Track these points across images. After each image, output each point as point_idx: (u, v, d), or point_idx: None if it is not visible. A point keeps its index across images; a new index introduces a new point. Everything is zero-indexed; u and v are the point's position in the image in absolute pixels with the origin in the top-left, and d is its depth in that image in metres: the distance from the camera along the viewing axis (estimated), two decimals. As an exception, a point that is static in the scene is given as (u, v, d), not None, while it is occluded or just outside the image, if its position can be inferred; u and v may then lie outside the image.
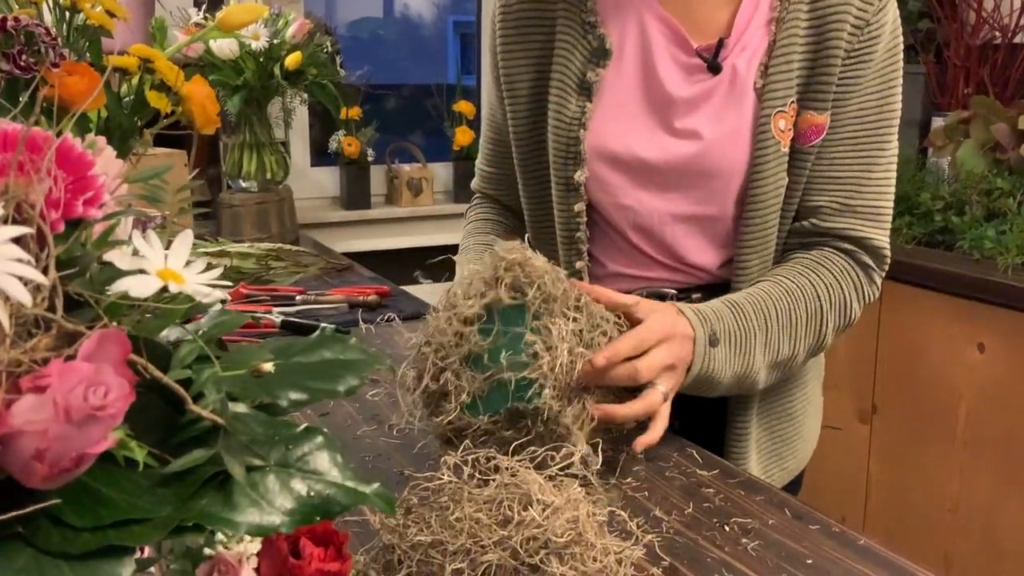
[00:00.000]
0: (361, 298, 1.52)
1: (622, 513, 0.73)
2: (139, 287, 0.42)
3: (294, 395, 0.48)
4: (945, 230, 1.97)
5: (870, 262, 1.00)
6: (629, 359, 0.84)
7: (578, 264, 1.06)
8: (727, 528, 0.79)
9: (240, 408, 0.46)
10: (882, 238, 1.00)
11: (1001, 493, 1.79)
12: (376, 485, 0.46)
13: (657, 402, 0.86)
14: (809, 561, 0.74)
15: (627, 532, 0.74)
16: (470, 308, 0.80)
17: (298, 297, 1.53)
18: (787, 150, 0.97)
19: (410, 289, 1.65)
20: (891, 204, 1.01)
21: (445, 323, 0.81)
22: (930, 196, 2.02)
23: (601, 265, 1.08)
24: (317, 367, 0.51)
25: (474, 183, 1.27)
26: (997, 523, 1.80)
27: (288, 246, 1.81)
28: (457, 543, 0.63)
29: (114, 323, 0.41)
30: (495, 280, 0.81)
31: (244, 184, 2.09)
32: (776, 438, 1.08)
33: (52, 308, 0.40)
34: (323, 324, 1.37)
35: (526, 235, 1.10)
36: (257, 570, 0.50)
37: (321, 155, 2.88)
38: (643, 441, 0.85)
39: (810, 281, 0.98)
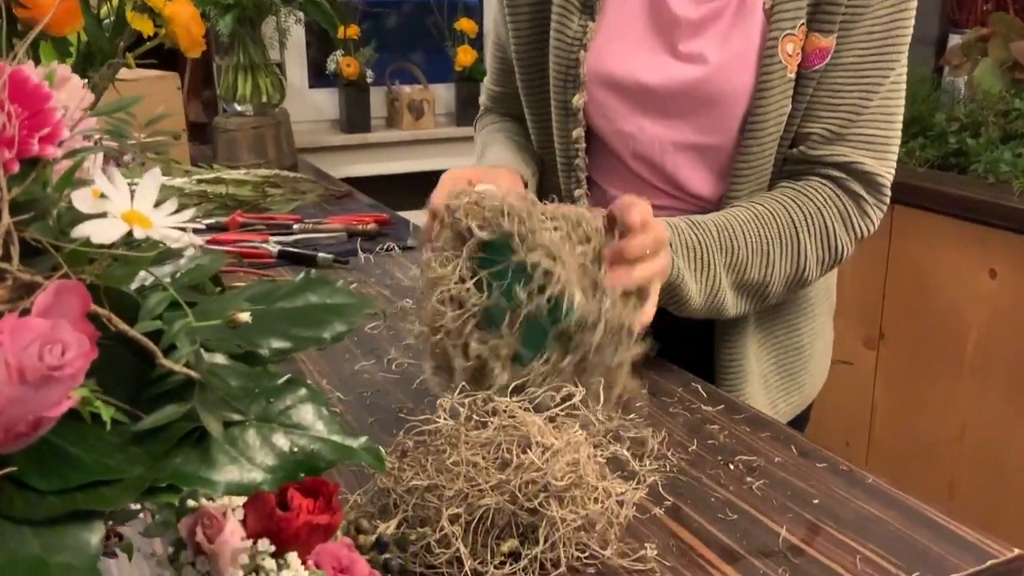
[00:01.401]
0: (360, 227, 1.49)
1: (625, 453, 0.71)
2: (102, 232, 0.38)
3: (276, 344, 0.45)
4: (959, 152, 1.92)
5: (861, 191, 0.95)
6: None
7: (576, 192, 1.03)
8: (732, 466, 0.78)
9: (217, 359, 0.43)
10: (877, 166, 0.95)
11: (1008, 421, 1.77)
12: (364, 439, 0.43)
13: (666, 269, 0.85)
14: (816, 501, 0.72)
15: (629, 472, 0.72)
16: (455, 277, 0.75)
17: (295, 226, 1.49)
18: (793, 75, 0.92)
19: (410, 216, 1.61)
20: (893, 132, 0.96)
21: (439, 304, 0.76)
22: (945, 117, 1.97)
23: (601, 192, 1.04)
24: (302, 313, 0.48)
25: (482, 99, 1.23)
26: (1003, 452, 1.79)
27: (285, 172, 1.76)
28: (454, 487, 0.61)
29: (77, 273, 0.38)
30: (464, 231, 0.76)
31: (239, 108, 2.04)
32: (783, 372, 1.05)
33: (7, 257, 0.37)
34: (320, 254, 1.36)
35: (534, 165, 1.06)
36: (243, 523, 0.48)
37: (319, 76, 2.81)
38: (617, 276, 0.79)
39: (786, 208, 0.94)
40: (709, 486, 0.74)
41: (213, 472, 0.39)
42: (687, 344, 0.98)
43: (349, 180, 2.05)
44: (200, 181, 1.63)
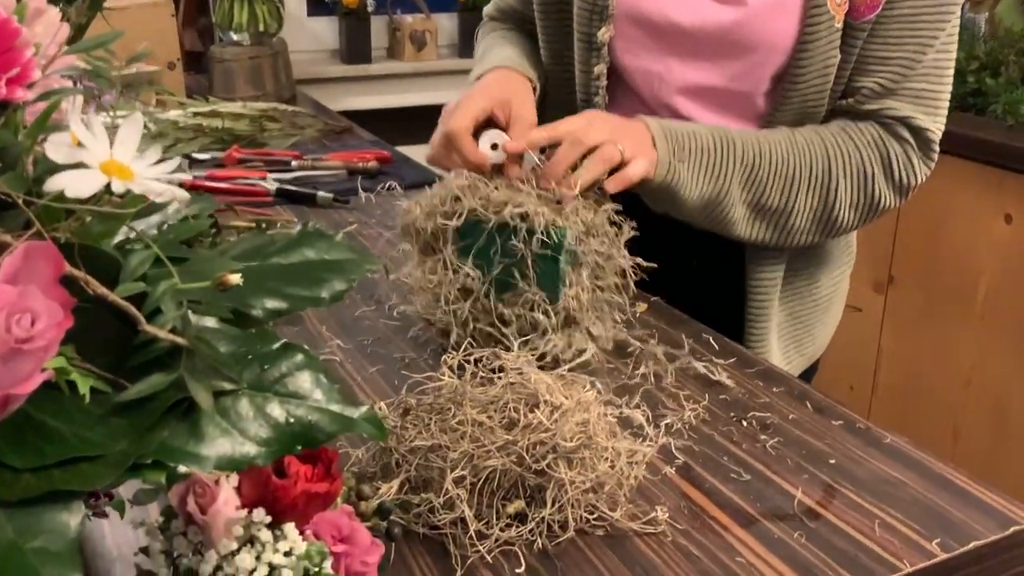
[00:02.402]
0: (361, 164, 1.44)
1: (633, 411, 0.68)
2: (78, 184, 0.35)
3: (271, 303, 0.42)
4: (978, 92, 1.86)
5: (909, 139, 0.91)
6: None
7: None
8: (744, 423, 0.75)
9: (207, 323, 0.40)
10: (928, 122, 0.90)
11: (1016, 369, 1.75)
12: (364, 409, 0.40)
13: (613, 154, 0.82)
14: (832, 461, 0.70)
15: (638, 430, 0.69)
16: (450, 275, 0.80)
17: (294, 162, 1.45)
18: (840, 26, 0.87)
19: (411, 152, 1.57)
20: (944, 88, 0.91)
21: (444, 302, 0.80)
22: (964, 55, 1.90)
23: None
24: (297, 270, 0.45)
25: (488, 9, 1.14)
26: (1009, 400, 1.77)
27: (284, 106, 1.71)
28: (459, 448, 0.59)
29: (51, 230, 0.35)
30: (429, 236, 0.81)
31: (235, 37, 1.97)
32: (799, 324, 1.02)
33: (-28, 212, 0.33)
34: (319, 193, 1.31)
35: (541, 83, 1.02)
36: (238, 490, 0.45)
37: (318, 5, 2.73)
38: (614, 179, 0.83)
39: (823, 140, 0.90)
40: (721, 444, 0.72)
41: (202, 446, 0.37)
42: (715, 297, 0.96)
43: (348, 113, 1.99)
44: (196, 114, 1.58)
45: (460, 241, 0.80)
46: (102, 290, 0.34)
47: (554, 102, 1.02)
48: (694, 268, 1.00)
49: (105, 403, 0.36)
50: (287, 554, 0.43)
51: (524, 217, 0.77)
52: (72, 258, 0.34)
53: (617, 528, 0.61)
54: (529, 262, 0.77)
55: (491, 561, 0.58)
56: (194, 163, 1.48)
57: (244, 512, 0.43)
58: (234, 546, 0.43)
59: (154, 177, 0.38)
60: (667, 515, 0.62)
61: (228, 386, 0.38)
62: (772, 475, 0.68)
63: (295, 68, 2.16)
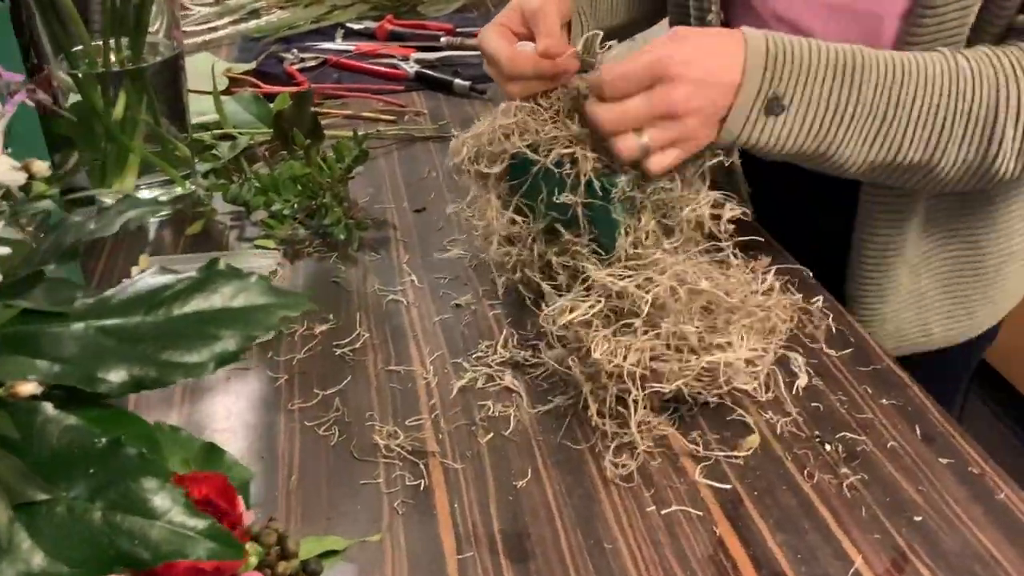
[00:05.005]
0: (512, 43, 1.34)
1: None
2: None
3: (126, 375, 0.36)
4: None
5: None
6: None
7: None
8: (828, 447, 0.63)
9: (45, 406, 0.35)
10: None
11: None
12: (207, 523, 0.35)
13: (629, 148, 0.66)
14: (918, 518, 0.58)
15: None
16: (501, 216, 0.74)
17: (444, 38, 1.36)
18: None
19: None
20: None
21: (501, 247, 0.76)
22: None
23: None
24: (184, 324, 0.39)
25: None
26: None
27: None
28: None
29: None
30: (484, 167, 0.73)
31: None
32: (949, 295, 0.85)
33: None
34: (457, 80, 1.23)
35: None
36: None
37: None
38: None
39: (994, 70, 0.68)
40: (789, 473, 0.61)
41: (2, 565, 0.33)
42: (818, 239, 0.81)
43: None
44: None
45: (509, 182, 0.74)
46: None
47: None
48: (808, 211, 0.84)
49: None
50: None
51: (573, 161, 0.69)
52: None
53: (622, 577, 0.54)
54: (579, 211, 0.69)
55: None
56: (348, 34, 1.43)
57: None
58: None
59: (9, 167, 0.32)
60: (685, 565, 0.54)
61: (40, 495, 0.33)
62: (836, 527, 0.57)
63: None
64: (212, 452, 0.46)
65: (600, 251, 0.71)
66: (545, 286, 0.72)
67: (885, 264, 0.82)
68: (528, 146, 0.70)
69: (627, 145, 0.66)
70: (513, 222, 0.74)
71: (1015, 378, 2.12)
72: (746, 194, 0.89)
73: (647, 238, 0.70)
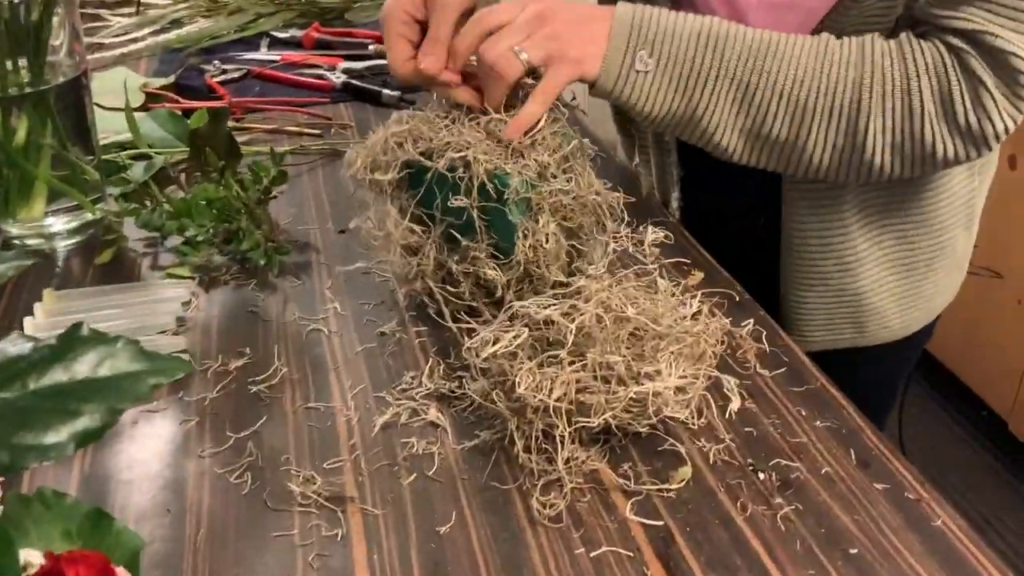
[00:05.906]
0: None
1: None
2: None
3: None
4: None
5: (983, 74, 0.68)
6: None
7: None
8: (762, 475, 0.61)
9: None
10: (1018, 42, 0.67)
11: None
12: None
13: (511, 64, 0.68)
14: (854, 551, 0.56)
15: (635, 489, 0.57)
16: (398, 231, 0.73)
17: (372, 46, 1.33)
18: None
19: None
20: None
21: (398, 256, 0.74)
22: None
23: None
24: (43, 399, 0.35)
25: None
26: None
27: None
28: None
29: None
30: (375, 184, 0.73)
31: None
32: (883, 294, 0.84)
33: None
34: (385, 91, 1.19)
35: None
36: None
37: None
38: (512, 125, 0.69)
39: (863, 59, 0.70)
40: (722, 506, 0.59)
41: None
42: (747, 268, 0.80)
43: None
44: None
45: (407, 191, 0.73)
46: None
47: None
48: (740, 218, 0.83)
49: None
50: None
51: (466, 165, 0.68)
52: None
53: (549, 629, 0.51)
54: (475, 214, 0.69)
55: None
56: (274, 43, 1.38)
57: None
58: None
59: None
60: (614, 618, 0.52)
61: None
62: (770, 563, 0.55)
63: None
64: (99, 520, 0.43)
65: (499, 255, 0.71)
66: (439, 294, 0.73)
67: (814, 259, 0.82)
68: (422, 153, 0.70)
69: (509, 63, 0.68)
70: (411, 231, 0.73)
71: (957, 367, 2.14)
72: (677, 178, 0.88)
73: (547, 241, 0.70)
